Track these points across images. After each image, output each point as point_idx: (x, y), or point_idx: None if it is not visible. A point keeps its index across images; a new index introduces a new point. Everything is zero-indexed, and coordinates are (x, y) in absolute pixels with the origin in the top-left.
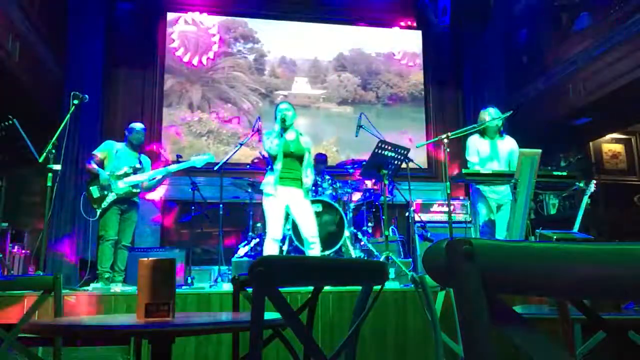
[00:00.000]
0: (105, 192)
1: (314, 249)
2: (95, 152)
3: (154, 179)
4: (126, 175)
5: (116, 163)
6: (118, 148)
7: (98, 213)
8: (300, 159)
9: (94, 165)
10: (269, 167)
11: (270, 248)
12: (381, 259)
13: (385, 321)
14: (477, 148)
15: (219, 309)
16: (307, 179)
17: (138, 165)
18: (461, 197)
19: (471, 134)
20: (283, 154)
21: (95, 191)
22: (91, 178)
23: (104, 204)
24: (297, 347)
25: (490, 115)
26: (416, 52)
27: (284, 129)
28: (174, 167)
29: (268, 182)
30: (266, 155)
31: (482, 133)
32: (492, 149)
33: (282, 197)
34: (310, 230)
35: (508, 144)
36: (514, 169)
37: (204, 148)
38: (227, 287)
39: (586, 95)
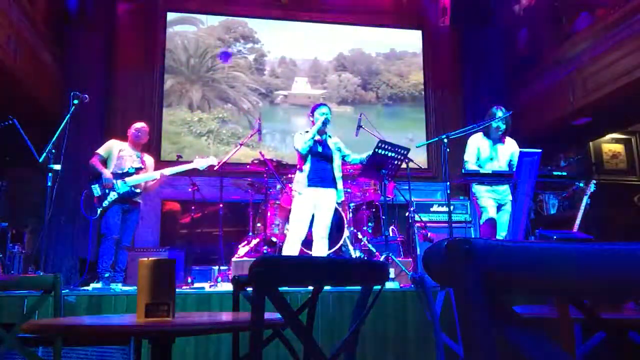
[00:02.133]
0: (107, 191)
1: (320, 249)
2: (98, 150)
3: (155, 179)
4: (128, 174)
5: (119, 162)
6: (121, 148)
7: (99, 212)
8: (328, 159)
9: (99, 163)
10: (299, 166)
11: (292, 249)
12: (381, 259)
13: (385, 321)
14: (477, 148)
15: (219, 309)
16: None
17: (140, 165)
18: (461, 197)
19: (472, 133)
20: (312, 154)
21: (96, 190)
22: (93, 176)
23: (105, 203)
24: (297, 347)
25: (498, 115)
26: (416, 52)
27: (322, 132)
28: (175, 169)
29: (298, 181)
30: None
31: (486, 133)
32: (493, 150)
33: (310, 198)
34: (322, 231)
35: (509, 146)
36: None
37: (204, 148)
38: (227, 287)
39: (586, 95)
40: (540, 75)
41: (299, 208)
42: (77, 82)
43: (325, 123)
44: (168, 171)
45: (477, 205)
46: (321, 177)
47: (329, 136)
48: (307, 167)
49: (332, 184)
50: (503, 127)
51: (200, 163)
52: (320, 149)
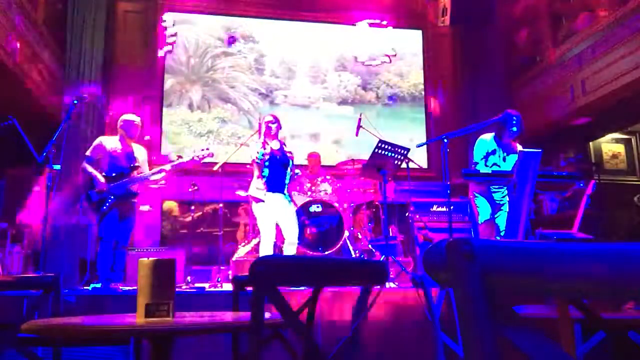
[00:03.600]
0: (104, 195)
1: (291, 252)
2: (88, 153)
3: (151, 178)
4: (124, 175)
5: (112, 163)
6: (112, 145)
7: (97, 217)
8: (284, 167)
9: (92, 169)
10: (257, 174)
11: (266, 252)
12: (381, 259)
13: (385, 321)
14: (486, 149)
15: (219, 309)
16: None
17: (136, 164)
18: (461, 197)
19: (472, 133)
20: (270, 162)
21: (93, 195)
22: (89, 182)
23: (104, 208)
24: (297, 347)
25: (512, 119)
26: (416, 52)
27: (269, 138)
28: (169, 166)
29: (257, 187)
30: (256, 161)
31: (498, 135)
32: (500, 151)
33: (270, 202)
34: (291, 236)
35: (516, 148)
36: None
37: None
38: (227, 287)
39: (586, 95)
40: (540, 75)
41: (262, 213)
42: (77, 82)
43: (268, 131)
44: (168, 166)
45: (476, 206)
46: (278, 184)
47: (285, 145)
48: (266, 172)
49: (284, 189)
50: (517, 130)
51: (197, 153)
52: (278, 157)
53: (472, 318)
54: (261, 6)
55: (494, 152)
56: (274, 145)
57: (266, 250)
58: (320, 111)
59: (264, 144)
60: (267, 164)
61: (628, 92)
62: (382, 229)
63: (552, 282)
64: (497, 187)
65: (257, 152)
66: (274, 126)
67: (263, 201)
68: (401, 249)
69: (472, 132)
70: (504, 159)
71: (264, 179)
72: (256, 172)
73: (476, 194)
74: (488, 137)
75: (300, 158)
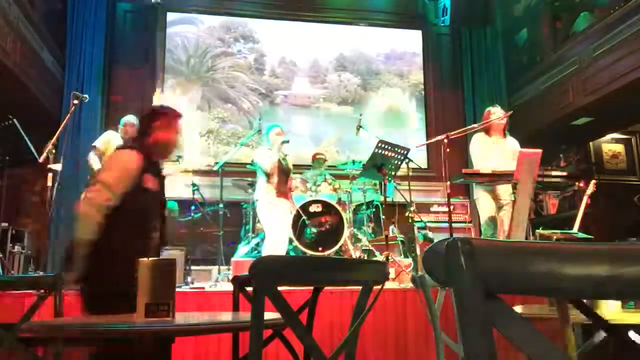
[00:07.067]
0: None
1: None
2: (96, 143)
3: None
4: None
5: None
6: (117, 143)
7: None
8: (287, 175)
9: (97, 160)
10: (265, 180)
11: (270, 252)
12: (381, 259)
13: (385, 321)
14: (481, 147)
15: (219, 309)
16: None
17: None
18: (461, 197)
19: (473, 133)
20: (279, 168)
21: None
22: (91, 177)
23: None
24: (297, 347)
25: (495, 113)
26: (416, 52)
27: (278, 150)
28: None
29: (267, 191)
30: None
31: (487, 132)
32: (495, 147)
33: (276, 206)
34: (284, 245)
35: (511, 144)
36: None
37: (204, 148)
38: (227, 287)
39: (586, 95)
40: (540, 75)
41: (271, 214)
42: (77, 82)
43: (282, 144)
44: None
45: (477, 205)
46: (284, 190)
47: (287, 154)
48: (274, 179)
49: (287, 196)
50: (501, 122)
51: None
52: (284, 164)
53: (472, 318)
54: (261, 6)
55: (495, 158)
56: (281, 156)
57: (270, 250)
58: (320, 111)
59: (273, 153)
60: (275, 172)
61: (628, 92)
62: (382, 229)
63: (552, 281)
64: (498, 186)
65: (268, 161)
66: (284, 140)
67: (271, 203)
68: (401, 249)
69: (472, 133)
70: (499, 149)
71: (273, 185)
72: (265, 178)
73: (480, 193)
74: (480, 136)
75: (300, 158)
